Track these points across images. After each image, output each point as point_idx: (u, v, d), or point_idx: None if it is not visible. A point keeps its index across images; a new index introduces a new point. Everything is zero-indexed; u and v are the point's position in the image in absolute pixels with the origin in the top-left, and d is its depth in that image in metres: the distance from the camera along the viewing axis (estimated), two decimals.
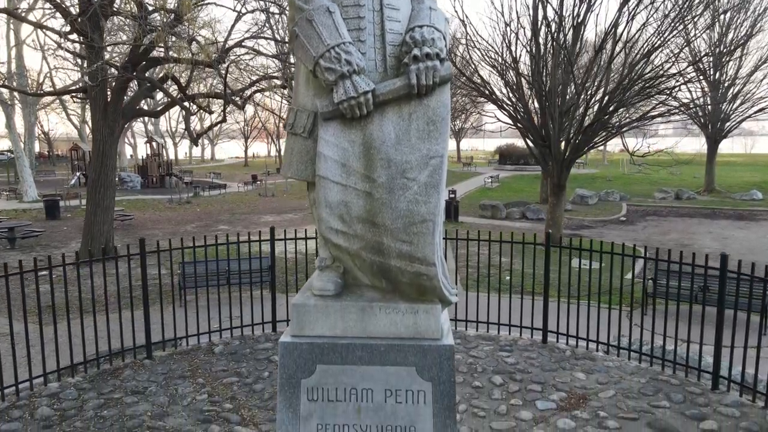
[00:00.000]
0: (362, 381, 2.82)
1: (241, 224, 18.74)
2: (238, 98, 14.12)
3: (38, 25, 13.19)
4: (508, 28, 14.65)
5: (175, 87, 14.32)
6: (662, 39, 13.48)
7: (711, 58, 26.16)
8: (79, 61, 18.93)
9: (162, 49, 12.80)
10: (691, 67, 17.85)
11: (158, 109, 18.55)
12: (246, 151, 61.70)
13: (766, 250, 14.84)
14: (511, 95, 15.53)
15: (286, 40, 14.70)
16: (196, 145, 18.11)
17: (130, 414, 5.26)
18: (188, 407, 5.42)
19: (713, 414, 5.24)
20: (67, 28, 11.50)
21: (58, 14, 13.09)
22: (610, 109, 14.17)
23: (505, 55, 15.08)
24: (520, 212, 21.60)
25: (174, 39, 12.29)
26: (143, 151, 42.45)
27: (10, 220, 18.66)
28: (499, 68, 15.37)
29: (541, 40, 14.66)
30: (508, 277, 11.57)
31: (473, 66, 16.22)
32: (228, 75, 13.23)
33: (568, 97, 15.08)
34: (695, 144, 36.89)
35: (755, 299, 7.70)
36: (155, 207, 24.50)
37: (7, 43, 27.33)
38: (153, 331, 6.75)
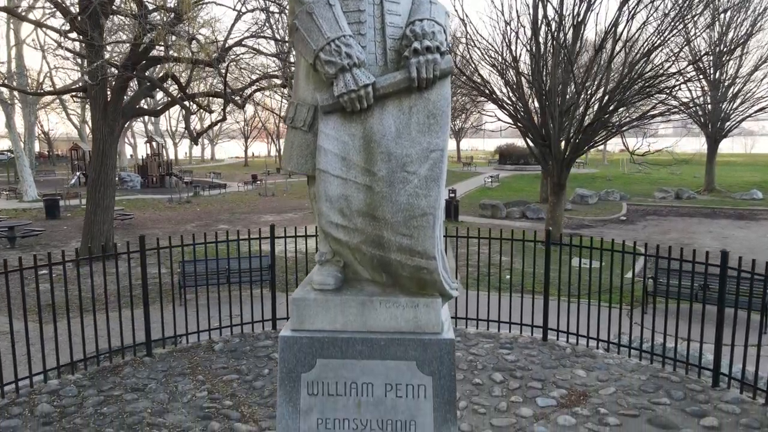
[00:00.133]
0: (362, 375, 2.82)
1: (241, 223, 18.73)
2: (238, 97, 14.12)
3: (38, 24, 13.19)
4: (508, 27, 14.65)
5: (175, 86, 14.33)
6: (662, 38, 13.47)
7: (711, 58, 26.15)
8: (79, 60, 18.95)
9: (162, 48, 12.80)
10: (691, 66, 17.84)
11: (158, 108, 18.56)
12: (246, 151, 61.70)
13: (766, 250, 14.83)
14: (511, 94, 15.51)
15: (286, 39, 14.70)
16: (196, 144, 18.12)
17: (130, 411, 5.26)
18: (188, 404, 5.42)
19: (714, 411, 5.23)
20: (67, 27, 11.50)
21: (58, 13, 13.10)
22: (610, 108, 14.16)
23: (505, 54, 15.08)
24: (520, 212, 21.59)
25: (174, 38, 12.28)
26: (143, 150, 42.47)
27: (10, 219, 18.64)
28: (499, 67, 15.35)
29: (541, 39, 14.65)
30: (508, 276, 11.56)
31: (473, 65, 16.20)
32: (228, 74, 13.23)
33: (568, 96, 15.07)
34: (695, 144, 36.87)
35: (755, 298, 7.69)
36: (155, 206, 24.49)
37: (7, 42, 27.32)
38: (153, 330, 6.75)
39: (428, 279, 2.75)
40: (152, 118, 47.84)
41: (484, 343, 7.02)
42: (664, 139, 18.98)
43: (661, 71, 14.16)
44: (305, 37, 2.68)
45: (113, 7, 12.16)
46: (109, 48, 15.29)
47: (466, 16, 16.73)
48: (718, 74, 27.39)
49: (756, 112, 27.80)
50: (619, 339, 6.81)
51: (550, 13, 14.28)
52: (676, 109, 15.33)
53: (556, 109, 14.49)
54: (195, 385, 5.85)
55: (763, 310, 8.06)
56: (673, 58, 14.78)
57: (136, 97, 14.18)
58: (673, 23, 13.29)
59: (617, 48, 14.07)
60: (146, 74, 14.21)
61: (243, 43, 13.75)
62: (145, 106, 26.56)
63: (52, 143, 59.30)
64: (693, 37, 19.04)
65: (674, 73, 14.25)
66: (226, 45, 13.01)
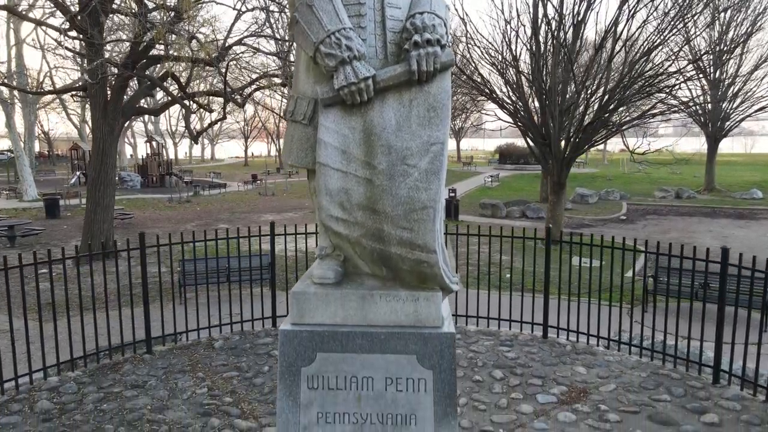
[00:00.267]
0: (362, 369, 2.81)
1: (241, 223, 18.73)
2: (238, 96, 14.11)
3: (38, 22, 13.19)
4: (508, 26, 14.64)
5: (175, 85, 14.32)
6: (662, 37, 13.46)
7: (711, 57, 26.14)
8: (79, 59, 18.95)
9: (162, 47, 12.79)
10: (691, 65, 17.82)
11: (158, 107, 18.53)
12: (246, 151, 61.70)
13: (767, 249, 14.82)
14: (511, 94, 15.50)
15: (286, 39, 14.70)
16: (197, 143, 18.12)
17: (130, 407, 5.25)
18: (188, 401, 5.41)
19: (714, 407, 5.23)
20: (67, 25, 11.49)
21: (58, 13, 13.09)
22: (610, 107, 14.16)
23: (505, 54, 15.06)
24: (520, 211, 21.59)
25: (174, 37, 12.28)
26: (143, 150, 42.48)
27: (10, 218, 18.64)
28: (499, 66, 15.34)
29: (541, 39, 14.64)
30: (508, 275, 11.55)
31: (473, 64, 16.19)
32: (228, 73, 13.22)
33: (568, 95, 15.06)
34: (695, 143, 36.89)
35: (756, 296, 7.68)
36: (155, 206, 24.49)
37: (7, 42, 27.31)
38: (153, 328, 6.75)
39: (429, 272, 2.74)
40: (152, 118, 47.83)
41: (484, 340, 7.02)
42: (665, 138, 18.97)
43: (661, 70, 14.16)
44: (305, 30, 2.67)
45: (113, 5, 12.16)
46: (109, 47, 15.30)
47: (466, 15, 16.66)
48: (718, 73, 27.39)
49: (756, 111, 27.80)
50: (620, 336, 6.81)
51: (550, 12, 14.28)
52: (676, 109, 15.32)
53: (556, 108, 14.48)
54: (195, 382, 5.84)
55: (763, 309, 8.06)
56: (673, 57, 14.78)
57: (136, 96, 14.17)
58: (673, 22, 13.28)
59: (617, 47, 14.06)
60: (146, 73, 14.21)
61: (243, 42, 13.75)
62: (145, 106, 26.55)
63: (52, 143, 59.28)
64: (693, 36, 19.04)
65: (674, 72, 14.25)
66: (226, 44, 13.01)
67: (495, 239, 8.18)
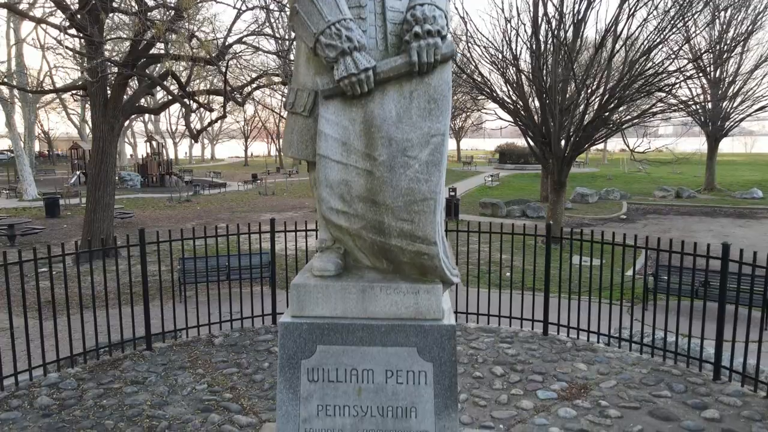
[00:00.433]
0: (363, 362, 2.81)
1: (241, 222, 18.71)
2: (238, 95, 14.10)
3: (39, 21, 13.18)
4: (508, 25, 14.62)
5: (176, 84, 14.31)
6: (662, 36, 13.45)
7: (711, 56, 26.12)
8: (79, 59, 18.93)
9: (162, 46, 12.78)
10: (691, 64, 17.81)
11: (158, 106, 18.53)
12: (246, 151, 61.71)
13: (767, 248, 14.81)
14: (511, 93, 15.49)
15: (286, 37, 14.70)
16: (197, 142, 18.10)
17: (130, 403, 5.25)
18: (188, 397, 5.41)
19: (715, 403, 5.22)
20: (67, 23, 11.48)
21: (58, 12, 13.07)
22: (611, 106, 14.15)
23: (505, 52, 15.05)
24: (520, 210, 21.58)
25: (174, 35, 12.27)
26: (143, 150, 42.48)
27: (10, 218, 18.63)
28: (499, 65, 15.33)
29: (541, 37, 14.63)
30: (508, 274, 11.55)
31: (474, 63, 16.19)
32: (228, 72, 13.21)
33: (568, 94, 15.05)
34: (695, 143, 36.87)
35: (756, 294, 7.67)
36: (155, 205, 24.48)
37: (7, 41, 27.30)
38: (153, 325, 6.74)
39: (429, 264, 2.74)
40: (152, 117, 47.87)
41: (484, 337, 7.01)
42: (665, 138, 18.98)
43: (661, 69, 14.15)
44: (305, 21, 2.67)
45: (113, 4, 12.15)
46: (109, 46, 15.29)
47: (467, 13, 16.66)
48: (718, 72, 27.37)
49: (756, 110, 27.78)
50: (620, 333, 6.80)
51: (551, 10, 14.27)
52: (676, 108, 15.30)
53: (557, 107, 14.48)
54: (195, 378, 5.84)
55: (764, 307, 8.05)
56: (673, 56, 14.77)
57: (136, 95, 14.17)
58: (673, 21, 13.27)
59: (617, 46, 14.05)
60: (146, 72, 14.20)
61: (243, 41, 13.74)
62: (146, 105, 26.55)
63: (52, 142, 59.30)
64: (693, 35, 19.02)
65: (674, 71, 14.23)
66: (226, 43, 13.00)
67: (495, 238, 8.18)
